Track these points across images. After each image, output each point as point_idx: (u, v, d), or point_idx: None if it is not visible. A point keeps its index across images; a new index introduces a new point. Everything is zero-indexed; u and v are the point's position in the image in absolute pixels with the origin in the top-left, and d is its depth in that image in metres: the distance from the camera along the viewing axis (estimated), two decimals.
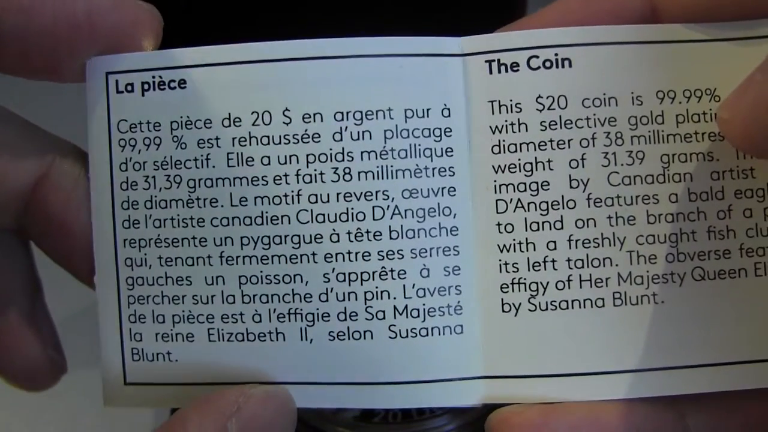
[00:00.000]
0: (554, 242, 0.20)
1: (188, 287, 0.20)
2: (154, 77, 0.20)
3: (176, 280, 0.20)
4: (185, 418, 0.19)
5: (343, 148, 0.20)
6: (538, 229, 0.20)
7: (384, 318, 0.20)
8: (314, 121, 0.20)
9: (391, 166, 0.20)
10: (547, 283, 0.20)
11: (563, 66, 0.20)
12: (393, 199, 0.20)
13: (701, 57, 0.20)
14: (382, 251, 0.20)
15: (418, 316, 0.20)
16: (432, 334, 0.20)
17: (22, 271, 0.22)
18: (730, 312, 0.20)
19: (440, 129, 0.20)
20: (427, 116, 0.20)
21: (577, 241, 0.20)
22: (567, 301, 0.20)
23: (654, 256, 0.20)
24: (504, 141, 0.20)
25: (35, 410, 0.24)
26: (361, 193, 0.20)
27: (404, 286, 0.20)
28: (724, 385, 0.20)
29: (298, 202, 0.20)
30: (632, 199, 0.20)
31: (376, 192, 0.20)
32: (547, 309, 0.20)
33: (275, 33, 0.21)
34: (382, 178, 0.20)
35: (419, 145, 0.20)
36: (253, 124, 0.20)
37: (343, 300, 0.20)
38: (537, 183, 0.20)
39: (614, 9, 0.20)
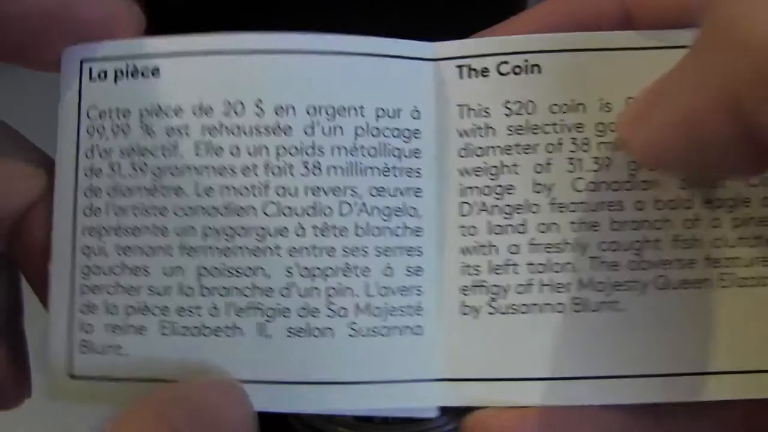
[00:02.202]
0: (516, 246, 0.20)
1: (145, 278, 0.20)
2: (128, 65, 0.20)
3: (133, 270, 0.20)
4: (129, 410, 0.18)
5: (313, 142, 0.20)
6: (500, 233, 0.20)
7: (345, 315, 0.20)
8: (286, 114, 0.20)
9: (360, 163, 0.20)
10: (508, 286, 0.20)
11: (532, 72, 0.20)
12: (361, 196, 0.20)
13: (673, 64, 0.20)
14: (347, 248, 0.20)
15: (380, 315, 0.20)
16: (392, 334, 0.20)
17: (1, 290, 0.22)
18: (693, 322, 0.20)
19: (409, 130, 0.20)
20: (398, 117, 0.20)
21: (539, 245, 0.20)
22: (527, 305, 0.20)
23: (616, 263, 0.20)
24: (471, 144, 0.20)
25: (36, 407, 0.23)
26: (330, 188, 0.20)
27: (367, 283, 0.20)
28: (688, 396, 0.20)
29: (266, 195, 0.20)
30: (597, 205, 0.20)
31: (345, 188, 0.20)
32: (506, 312, 0.20)
33: (260, 27, 0.21)
34: (351, 175, 0.20)
35: (388, 144, 0.20)
36: (225, 114, 0.20)
37: (305, 296, 0.20)
38: (502, 186, 0.20)
39: (589, 16, 0.21)
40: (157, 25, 0.21)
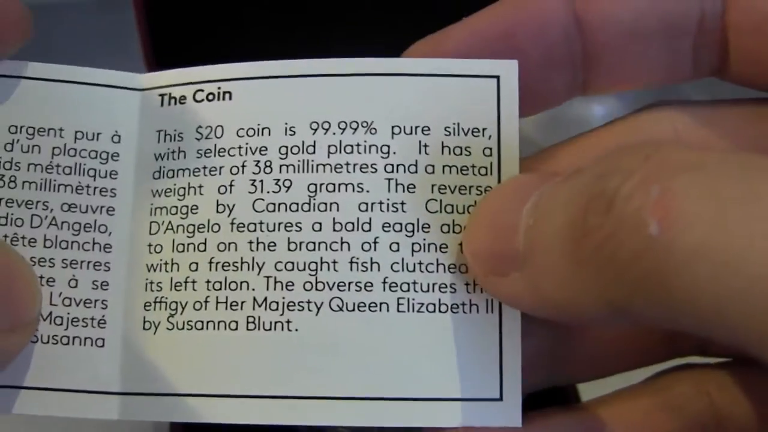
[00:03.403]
0: (196, 263, 0.20)
1: None
2: None
3: None
4: None
5: (12, 158, 0.21)
6: (183, 251, 0.21)
7: None
8: None
9: (55, 180, 0.21)
10: (186, 303, 0.20)
11: (224, 99, 0.21)
12: (52, 210, 0.21)
13: (357, 90, 0.21)
14: (34, 257, 0.21)
15: (62, 324, 0.20)
16: (73, 344, 0.20)
17: None
18: (367, 346, 0.20)
19: (108, 153, 0.21)
20: (97, 140, 0.21)
21: (217, 263, 0.20)
22: (203, 322, 0.20)
23: (291, 283, 0.20)
24: (164, 167, 0.21)
25: None
26: (23, 201, 0.21)
27: (51, 293, 0.20)
28: (358, 421, 0.20)
29: None
30: (275, 225, 0.20)
31: (37, 202, 0.21)
32: (183, 328, 0.20)
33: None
34: (44, 190, 0.21)
35: (84, 164, 0.21)
36: None
37: None
38: (187, 207, 0.21)
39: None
40: None
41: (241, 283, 0.20)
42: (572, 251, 0.16)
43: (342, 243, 0.20)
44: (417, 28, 0.22)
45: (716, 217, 0.14)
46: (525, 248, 0.17)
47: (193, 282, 0.20)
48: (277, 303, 0.20)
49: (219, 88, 0.21)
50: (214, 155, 0.21)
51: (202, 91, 0.21)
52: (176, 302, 0.20)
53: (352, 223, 0.20)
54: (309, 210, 0.20)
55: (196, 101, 0.21)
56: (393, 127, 0.21)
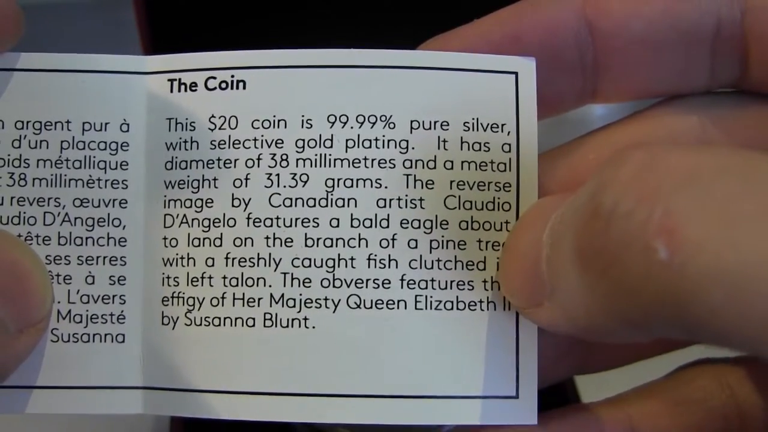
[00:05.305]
0: (212, 259, 0.20)
1: None
2: None
3: None
4: None
5: (20, 155, 0.20)
6: (199, 245, 0.20)
7: None
8: None
9: (65, 175, 0.20)
10: (203, 298, 0.20)
11: (238, 87, 0.21)
12: (64, 206, 0.20)
13: (376, 82, 0.20)
14: (50, 256, 0.20)
15: (81, 321, 0.20)
16: (93, 341, 0.20)
17: None
18: (384, 343, 0.20)
19: (117, 143, 0.21)
20: (105, 130, 0.21)
21: (233, 259, 0.20)
22: (220, 318, 0.20)
23: (309, 279, 0.20)
24: (176, 158, 0.21)
25: None
26: (34, 198, 0.20)
27: (69, 291, 0.20)
28: (375, 418, 0.20)
29: None
30: (292, 221, 0.20)
31: (48, 198, 0.20)
32: (201, 324, 0.20)
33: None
34: (55, 186, 0.20)
35: (94, 157, 0.21)
36: None
37: None
38: (202, 200, 0.20)
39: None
40: None
41: (258, 279, 0.20)
42: (583, 275, 0.16)
43: (360, 239, 0.20)
44: (428, 26, 0.21)
45: (725, 237, 0.14)
46: (549, 276, 0.17)
47: (210, 277, 0.20)
48: (295, 300, 0.20)
49: (232, 76, 0.21)
50: (229, 147, 0.20)
51: (214, 78, 0.21)
52: (193, 298, 0.20)
53: (370, 220, 0.20)
54: (326, 205, 0.20)
55: (208, 89, 0.21)
56: (412, 121, 0.20)
